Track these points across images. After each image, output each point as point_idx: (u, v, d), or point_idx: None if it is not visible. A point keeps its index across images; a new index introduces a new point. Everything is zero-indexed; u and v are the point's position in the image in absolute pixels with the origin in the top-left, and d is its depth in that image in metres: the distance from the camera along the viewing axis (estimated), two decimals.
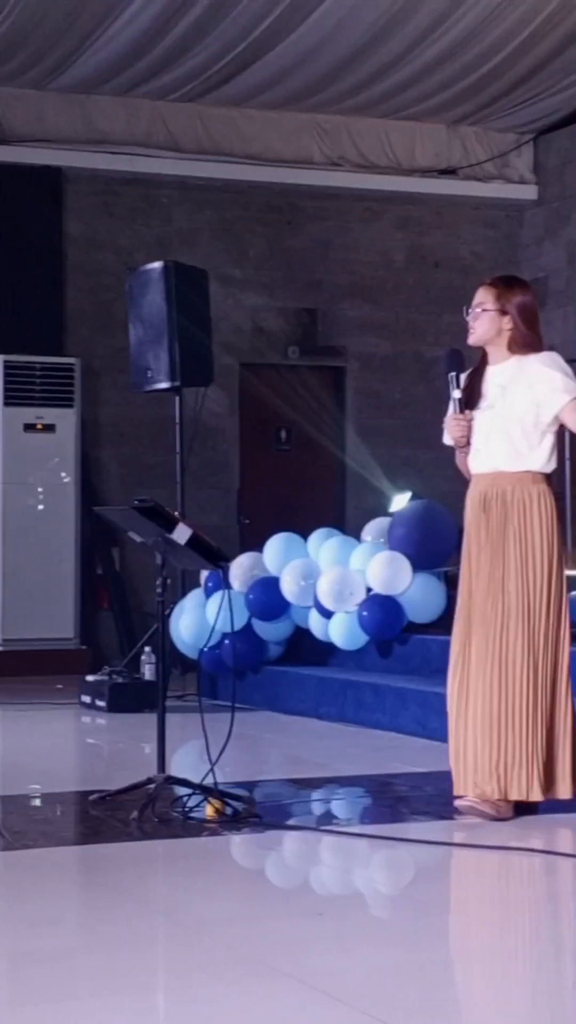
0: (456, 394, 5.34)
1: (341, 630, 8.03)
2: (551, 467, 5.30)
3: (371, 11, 10.48)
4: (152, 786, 5.24)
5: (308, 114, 11.77)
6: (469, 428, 5.32)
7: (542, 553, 5.19)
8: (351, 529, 9.35)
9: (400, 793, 5.82)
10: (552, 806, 5.24)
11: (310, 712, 8.01)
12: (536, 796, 5.12)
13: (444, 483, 12.43)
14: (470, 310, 5.35)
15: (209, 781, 5.22)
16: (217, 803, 5.15)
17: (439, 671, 7.60)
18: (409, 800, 5.65)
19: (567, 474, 8.86)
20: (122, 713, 8.18)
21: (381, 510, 9.62)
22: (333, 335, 12.13)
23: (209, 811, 5.14)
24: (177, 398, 8.93)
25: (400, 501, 9.33)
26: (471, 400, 5.33)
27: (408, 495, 9.44)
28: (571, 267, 11.99)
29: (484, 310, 5.31)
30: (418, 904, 4.31)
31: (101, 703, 8.39)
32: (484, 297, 5.34)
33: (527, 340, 5.29)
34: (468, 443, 5.35)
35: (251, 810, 5.22)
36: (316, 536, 8.51)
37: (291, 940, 3.79)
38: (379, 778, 6.08)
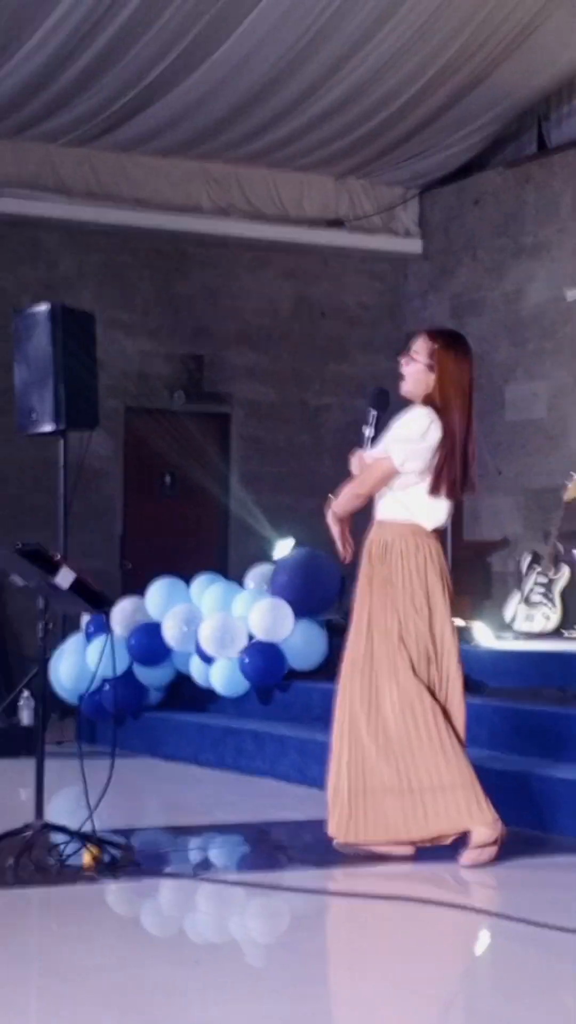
0: (367, 432, 5.38)
1: (222, 676, 8.03)
2: (430, 524, 5.32)
3: (262, 63, 10.60)
4: (29, 832, 5.18)
5: (197, 162, 11.84)
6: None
7: (427, 599, 5.24)
8: (234, 575, 9.35)
9: (278, 841, 5.82)
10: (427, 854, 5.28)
11: (190, 758, 7.98)
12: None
13: (327, 531, 12.50)
14: (405, 354, 5.36)
15: (87, 828, 5.18)
16: (95, 850, 5.11)
17: (320, 718, 7.63)
18: (287, 848, 5.65)
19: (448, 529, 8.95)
20: None
21: (264, 557, 9.64)
22: (219, 381, 12.17)
23: (86, 858, 5.09)
24: (62, 441, 8.90)
25: (283, 548, 9.36)
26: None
27: (291, 542, 9.48)
28: (454, 320, 12.16)
29: (414, 360, 5.32)
30: (294, 953, 4.31)
31: None
32: (420, 346, 5.34)
33: (436, 405, 5.27)
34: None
35: (129, 857, 5.19)
36: (199, 582, 8.51)
37: (168, 989, 3.76)
38: (258, 826, 6.07)
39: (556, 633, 8.46)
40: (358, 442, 5.45)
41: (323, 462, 12.09)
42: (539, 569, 8.64)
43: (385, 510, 5.35)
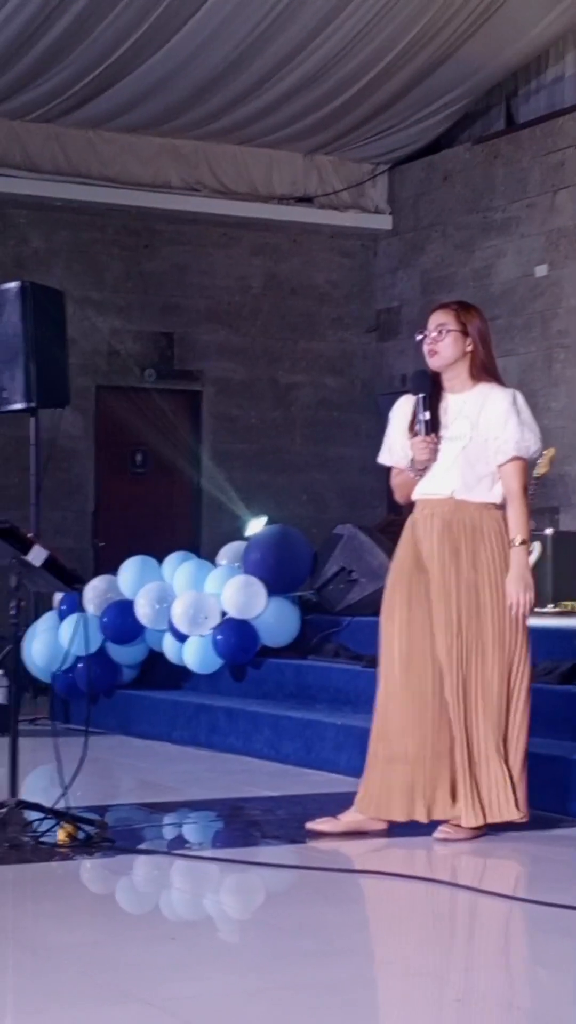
0: (425, 416, 5.22)
1: (195, 654, 8.04)
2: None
3: (229, 39, 10.57)
4: (3, 810, 5.19)
5: (166, 138, 11.81)
6: (435, 451, 5.23)
7: (499, 579, 5.20)
8: (206, 553, 9.37)
9: (252, 817, 5.84)
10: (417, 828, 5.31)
11: (163, 736, 8.00)
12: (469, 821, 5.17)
13: (299, 507, 12.55)
14: (425, 334, 5.28)
15: (61, 805, 5.19)
16: (69, 827, 5.12)
17: (292, 695, 7.66)
18: (261, 824, 5.67)
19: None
20: None
21: (236, 534, 9.65)
22: (189, 359, 12.16)
23: (61, 836, 5.10)
24: (33, 419, 8.89)
25: (255, 525, 9.36)
26: (436, 423, 5.24)
27: (263, 519, 9.48)
28: (424, 297, 12.17)
29: (448, 330, 5.24)
30: (269, 928, 4.34)
31: None
32: (445, 318, 5.26)
33: (488, 366, 5.27)
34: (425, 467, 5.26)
35: (103, 834, 5.20)
36: (171, 559, 8.51)
37: (144, 965, 3.78)
38: (231, 802, 6.09)
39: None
40: (417, 430, 5.21)
41: (295, 439, 12.10)
42: None
43: (461, 487, 5.22)
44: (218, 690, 8.16)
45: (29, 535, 5.35)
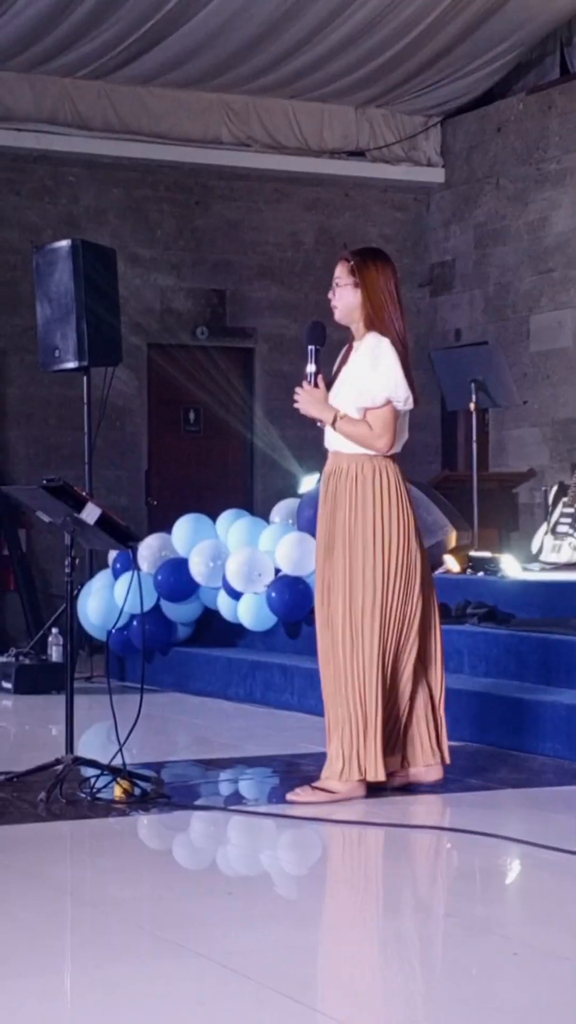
0: (310, 368, 5.30)
1: (250, 611, 8.04)
2: (388, 450, 5.22)
3: None
4: (60, 767, 5.21)
5: (216, 94, 11.73)
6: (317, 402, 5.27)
7: (373, 528, 5.18)
8: (260, 510, 9.36)
9: (308, 773, 5.83)
10: (451, 783, 5.29)
11: (218, 693, 8.02)
12: (372, 775, 5.14)
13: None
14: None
15: (117, 762, 5.21)
16: (125, 784, 5.14)
17: None
18: (316, 780, 5.67)
19: (474, 461, 8.93)
20: (29, 695, 8.13)
21: (290, 491, 9.63)
22: (242, 316, 12.11)
23: (117, 792, 5.13)
24: (85, 378, 8.89)
25: (308, 483, 9.34)
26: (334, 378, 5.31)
27: (316, 477, 9.45)
28: (478, 251, 12.06)
29: (339, 285, 5.30)
30: (326, 883, 4.34)
31: (8, 685, 8.33)
32: (340, 272, 5.31)
33: (375, 317, 5.23)
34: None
35: (159, 790, 5.22)
36: (225, 517, 8.51)
37: (201, 920, 3.79)
38: (287, 758, 6.10)
39: None
40: (303, 379, 5.30)
41: None
42: (566, 500, 8.60)
43: (336, 439, 5.26)
44: (273, 647, 8.17)
45: (83, 493, 5.35)
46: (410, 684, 5.23)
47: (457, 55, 11.51)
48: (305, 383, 5.32)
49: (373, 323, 5.25)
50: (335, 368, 5.38)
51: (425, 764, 5.27)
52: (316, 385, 5.30)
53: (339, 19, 10.90)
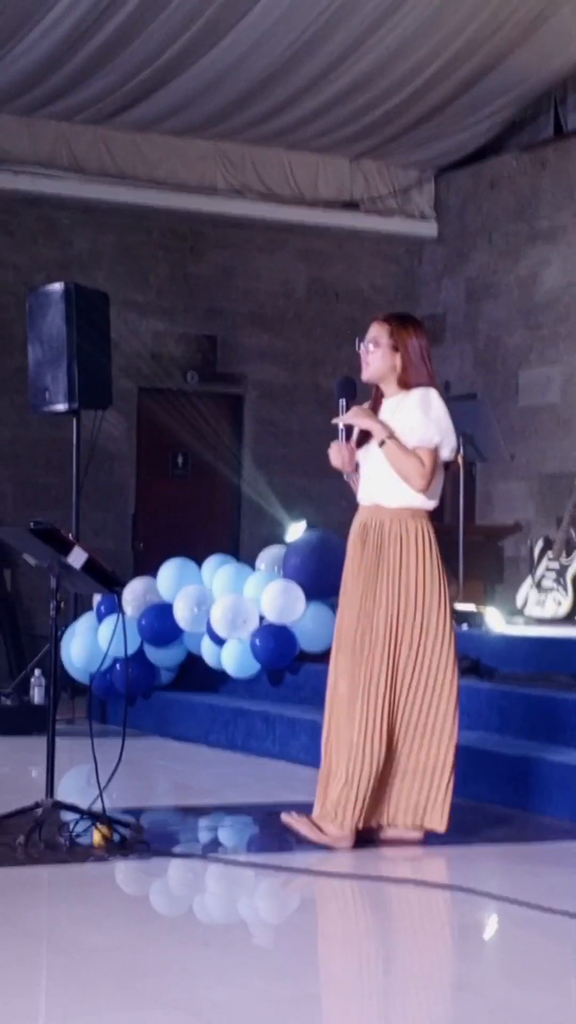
0: (342, 424, 5.35)
1: (233, 658, 8.03)
2: (431, 504, 5.32)
3: (278, 43, 10.57)
4: (39, 811, 5.19)
5: (212, 142, 11.82)
6: (350, 457, 5.33)
7: (416, 586, 5.21)
8: (245, 557, 9.35)
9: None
10: (433, 837, 5.28)
11: (200, 739, 7.99)
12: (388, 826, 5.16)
13: (339, 513, 12.49)
14: (363, 344, 5.38)
15: (97, 807, 5.19)
16: (104, 829, 5.12)
17: None
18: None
19: (460, 513, 8.95)
20: (10, 736, 8.10)
21: (276, 539, 9.64)
22: (232, 363, 12.16)
23: (96, 837, 5.10)
24: (75, 420, 8.90)
25: (295, 530, 9.35)
26: (365, 434, 5.34)
27: (303, 524, 9.47)
28: (469, 304, 12.14)
29: (377, 346, 5.35)
30: (303, 934, 4.32)
31: None
32: (378, 332, 5.37)
33: (416, 377, 5.33)
34: (355, 470, 5.38)
35: (138, 837, 5.20)
36: (210, 563, 8.51)
37: (177, 970, 3.77)
38: (267, 807, 6.07)
39: (568, 619, 8.45)
40: (334, 435, 5.35)
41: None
42: (551, 555, 8.63)
43: (380, 493, 5.30)
44: (255, 694, 8.15)
45: (69, 536, 5.36)
46: (419, 744, 5.24)
47: (452, 111, 11.62)
48: (339, 440, 5.33)
49: (408, 382, 5.30)
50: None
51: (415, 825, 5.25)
52: (348, 439, 5.32)
53: (336, 72, 10.99)
